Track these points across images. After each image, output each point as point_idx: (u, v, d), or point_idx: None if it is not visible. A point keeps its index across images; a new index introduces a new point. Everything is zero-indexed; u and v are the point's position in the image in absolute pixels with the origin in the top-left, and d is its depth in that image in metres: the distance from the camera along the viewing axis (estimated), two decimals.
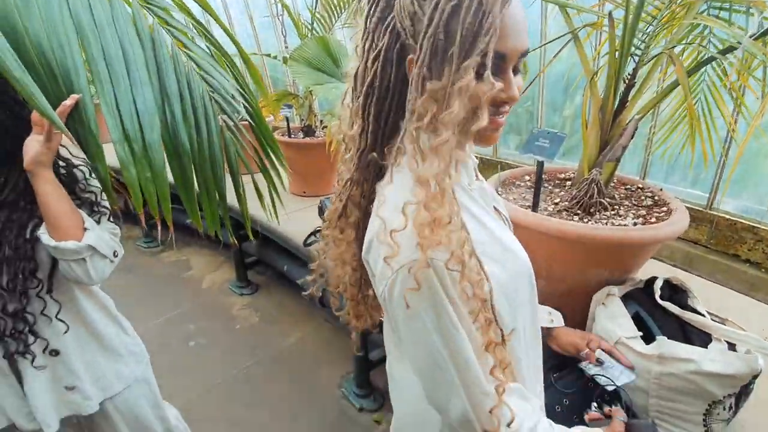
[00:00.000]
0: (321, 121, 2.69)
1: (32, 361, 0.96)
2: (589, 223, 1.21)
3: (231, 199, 1.13)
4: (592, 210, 1.25)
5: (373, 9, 0.54)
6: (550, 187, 1.45)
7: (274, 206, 1.21)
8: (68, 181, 0.96)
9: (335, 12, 2.33)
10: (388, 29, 0.53)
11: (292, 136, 2.57)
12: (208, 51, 1.12)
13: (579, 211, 1.27)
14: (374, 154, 0.57)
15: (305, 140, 2.51)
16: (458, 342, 0.53)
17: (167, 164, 0.88)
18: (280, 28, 2.73)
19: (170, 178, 0.88)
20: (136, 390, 1.16)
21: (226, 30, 1.24)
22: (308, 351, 2.33)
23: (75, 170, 0.99)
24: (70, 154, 1.00)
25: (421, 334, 0.53)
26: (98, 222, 0.98)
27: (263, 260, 2.79)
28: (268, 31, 3.65)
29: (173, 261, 3.24)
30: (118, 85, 0.79)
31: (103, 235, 0.96)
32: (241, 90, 1.15)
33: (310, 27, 2.37)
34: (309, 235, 2.04)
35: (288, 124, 2.58)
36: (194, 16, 1.12)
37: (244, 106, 1.12)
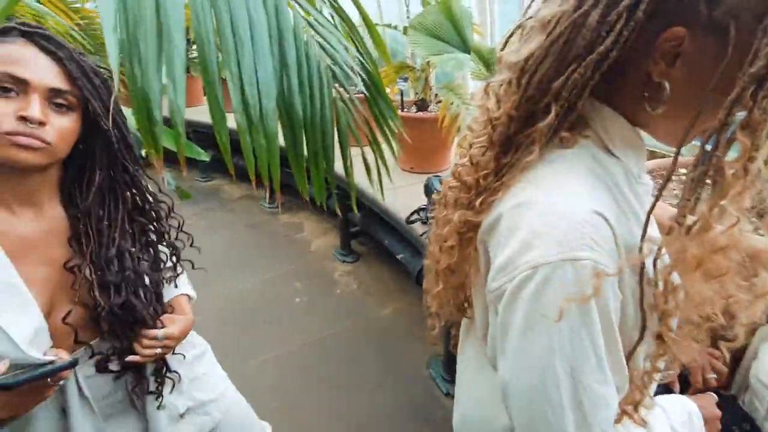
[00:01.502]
0: (436, 95, 2.59)
1: (159, 395, 0.78)
2: None
3: (339, 168, 1.13)
4: None
5: None
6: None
7: (380, 180, 1.19)
8: (149, 218, 0.79)
9: None
10: None
11: (405, 110, 2.53)
12: (331, 20, 1.11)
13: (754, 219, 0.99)
14: (530, 134, 0.47)
15: (418, 114, 2.45)
16: (594, 379, 0.42)
17: (280, 132, 0.90)
18: None
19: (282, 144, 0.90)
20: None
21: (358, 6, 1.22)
22: (401, 325, 2.35)
23: (160, 205, 0.83)
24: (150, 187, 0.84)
25: (539, 355, 0.43)
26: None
27: (366, 232, 2.87)
28: (393, 2, 3.61)
29: (288, 222, 3.53)
30: (243, 53, 0.81)
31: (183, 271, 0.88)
32: (361, 60, 1.12)
33: None
34: (412, 213, 2.01)
35: (402, 98, 2.54)
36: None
37: (363, 78, 1.09)
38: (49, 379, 0.60)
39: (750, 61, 0.36)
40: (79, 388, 0.70)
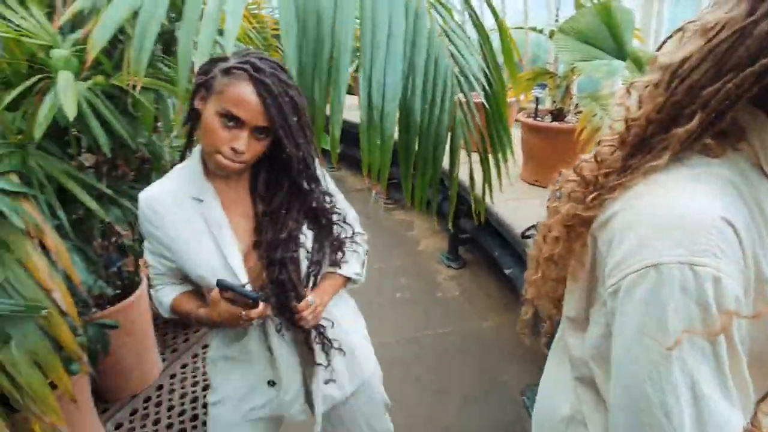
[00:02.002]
0: (576, 104, 2.38)
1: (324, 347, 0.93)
2: None
3: (462, 174, 1.11)
4: None
5: None
6: None
7: (486, 189, 1.15)
8: (320, 215, 0.91)
9: None
10: None
11: (538, 118, 2.38)
12: (465, 29, 1.11)
13: None
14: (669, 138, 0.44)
15: (552, 124, 2.28)
16: (718, 397, 0.39)
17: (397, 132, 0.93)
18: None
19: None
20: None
21: (488, 2, 1.19)
22: (501, 342, 2.24)
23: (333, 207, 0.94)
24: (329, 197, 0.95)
25: (655, 362, 0.40)
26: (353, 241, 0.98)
27: (476, 240, 2.79)
28: (542, 6, 3.42)
29: (401, 219, 3.64)
30: (377, 54, 0.86)
31: (360, 258, 1.02)
32: (485, 69, 1.09)
33: None
34: (529, 228, 1.89)
35: (536, 105, 2.39)
36: (473, 12, 1.11)
37: (483, 86, 1.07)
38: (243, 312, 0.80)
39: None
40: (277, 330, 0.91)
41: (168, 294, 0.95)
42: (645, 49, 2.25)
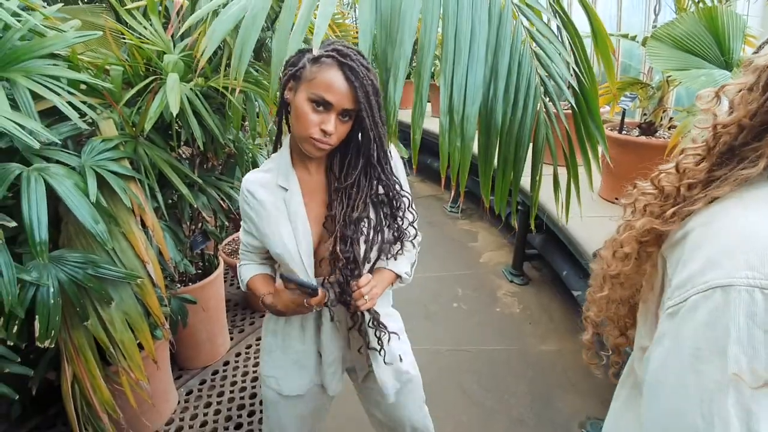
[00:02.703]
0: (671, 119, 2.17)
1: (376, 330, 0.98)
2: None
3: (527, 184, 1.08)
4: None
5: None
6: None
7: (568, 203, 1.09)
8: (389, 203, 0.96)
9: None
10: None
11: (624, 131, 2.21)
12: (556, 31, 1.07)
13: None
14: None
15: (640, 139, 2.11)
16: None
17: (476, 137, 0.93)
18: (655, 4, 2.30)
19: (475, 150, 0.92)
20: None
21: (585, 4, 1.14)
22: (560, 368, 2.10)
23: (402, 199, 0.97)
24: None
25: (709, 389, 0.37)
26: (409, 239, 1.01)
27: (544, 257, 2.66)
28: (636, 14, 3.17)
29: (465, 229, 3.57)
30: (459, 61, 0.87)
31: (411, 259, 1.05)
32: (578, 73, 1.05)
33: (696, 0, 1.87)
34: None
35: (623, 117, 2.22)
36: (564, 12, 1.07)
37: (576, 92, 1.02)
38: (305, 300, 0.89)
39: None
40: (331, 318, 0.99)
41: (249, 271, 1.06)
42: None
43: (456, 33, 0.87)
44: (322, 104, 0.81)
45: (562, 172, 1.08)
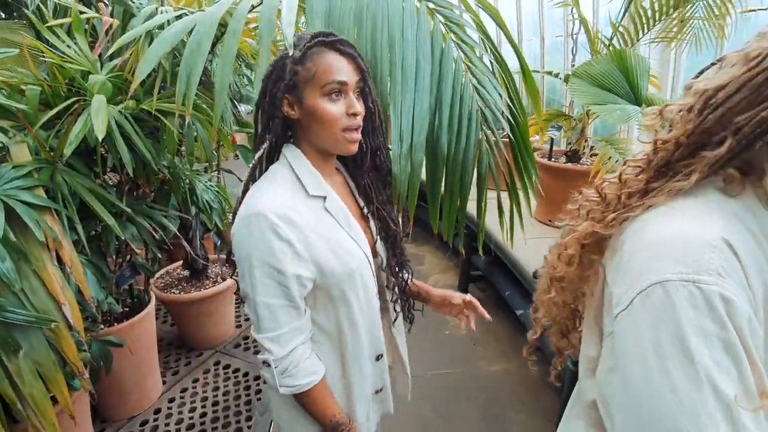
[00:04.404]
0: (591, 147, 2.39)
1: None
2: None
3: (472, 209, 1.12)
4: None
5: None
6: None
7: (512, 227, 1.14)
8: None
9: (646, 24, 1.99)
10: None
11: (553, 159, 2.39)
12: (490, 66, 1.15)
13: None
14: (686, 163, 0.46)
15: (567, 165, 2.29)
16: (749, 422, 0.36)
17: (423, 165, 0.95)
18: (572, 46, 2.57)
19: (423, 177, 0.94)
20: None
21: (514, 45, 1.24)
22: (509, 388, 2.15)
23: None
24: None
25: (682, 393, 0.38)
26: None
27: (488, 278, 2.75)
28: (557, 53, 3.53)
29: (412, 253, 3.62)
30: (406, 91, 0.90)
31: None
32: (511, 106, 1.12)
33: (608, 42, 2.12)
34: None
35: (551, 146, 2.41)
36: (487, 33, 1.16)
37: (510, 122, 1.09)
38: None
39: None
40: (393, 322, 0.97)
41: (314, 362, 0.80)
42: (661, 96, 2.28)
43: (403, 65, 0.90)
44: (337, 91, 0.74)
45: (504, 197, 1.13)
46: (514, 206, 1.14)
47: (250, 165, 0.83)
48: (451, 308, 1.09)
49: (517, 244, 2.03)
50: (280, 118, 0.77)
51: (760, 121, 0.40)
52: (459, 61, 1.01)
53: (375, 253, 0.88)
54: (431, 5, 1.00)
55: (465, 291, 2.89)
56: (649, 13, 1.95)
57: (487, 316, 1.06)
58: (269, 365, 0.76)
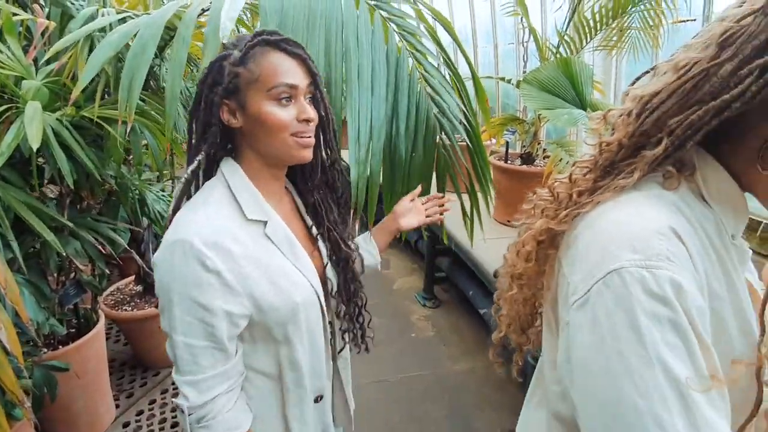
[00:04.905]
0: (544, 149, 2.50)
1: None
2: None
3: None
4: None
5: None
6: None
7: (472, 228, 1.17)
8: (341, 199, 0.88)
9: (589, 33, 2.11)
10: None
11: (509, 161, 2.48)
12: (444, 75, 1.17)
13: None
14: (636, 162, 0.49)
15: (521, 167, 2.38)
16: (704, 403, 0.38)
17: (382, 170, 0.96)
18: (522, 53, 2.68)
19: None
20: None
21: (464, 54, 1.27)
22: (474, 386, 2.19)
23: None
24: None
25: (636, 368, 0.39)
26: None
27: (452, 279, 2.80)
28: (510, 60, 3.68)
29: None
30: (363, 98, 0.90)
31: None
32: (465, 111, 1.15)
33: (554, 50, 2.23)
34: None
35: (507, 149, 2.50)
36: (440, 43, 1.19)
37: (465, 128, 1.12)
38: None
39: None
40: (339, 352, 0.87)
41: (239, 414, 0.70)
42: (605, 100, 2.43)
43: (359, 72, 0.90)
44: (287, 96, 0.67)
45: (466, 200, 1.16)
46: (474, 208, 1.17)
47: (182, 180, 0.72)
48: (410, 216, 0.97)
49: (478, 244, 2.08)
50: (218, 127, 0.68)
51: (690, 123, 0.44)
52: (414, 70, 1.02)
53: (324, 280, 0.79)
54: (384, 14, 1.01)
55: (431, 293, 2.93)
56: (591, 23, 2.07)
57: (440, 195, 0.98)
58: (183, 411, 0.66)
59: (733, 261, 0.48)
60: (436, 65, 1.14)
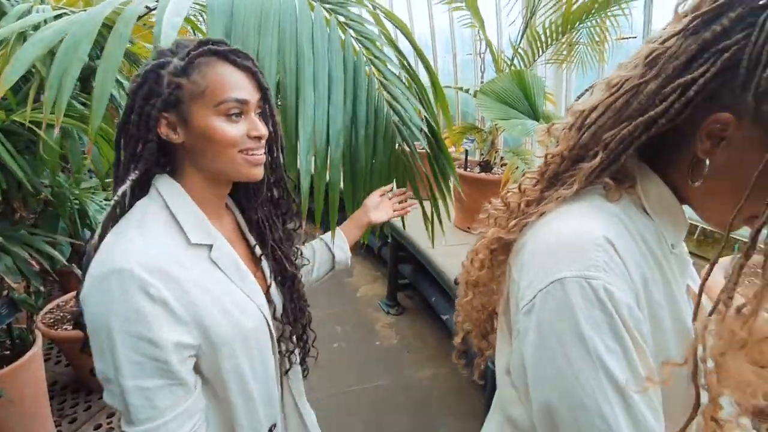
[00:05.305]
0: (502, 157, 2.58)
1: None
2: None
3: (396, 219, 1.13)
4: None
5: (713, 15, 0.41)
6: None
7: (433, 233, 1.18)
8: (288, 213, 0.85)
9: (541, 46, 2.21)
10: (721, 59, 0.40)
11: (468, 169, 2.54)
12: (404, 81, 1.18)
13: None
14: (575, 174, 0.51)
15: (481, 175, 2.44)
16: (644, 404, 0.41)
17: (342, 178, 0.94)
18: (480, 63, 2.76)
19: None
20: None
21: (424, 60, 1.29)
22: (438, 393, 2.20)
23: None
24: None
25: (581, 371, 0.42)
26: None
27: (415, 286, 2.81)
28: (469, 70, 3.78)
29: None
30: (319, 106, 0.88)
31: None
32: (427, 118, 1.16)
33: (509, 62, 2.31)
34: None
35: (466, 157, 2.55)
36: (400, 50, 1.19)
37: (426, 135, 1.13)
38: None
39: None
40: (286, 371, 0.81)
41: None
42: (557, 111, 2.55)
43: (315, 78, 0.88)
44: (235, 110, 0.62)
45: (426, 205, 1.17)
46: (434, 212, 1.19)
47: (110, 203, 0.65)
48: (380, 210, 0.98)
49: (439, 250, 2.11)
50: (155, 142, 0.62)
51: (622, 138, 0.47)
52: (372, 77, 1.02)
53: (269, 300, 0.75)
54: (342, 18, 1.00)
55: (394, 300, 2.93)
56: (543, 37, 2.17)
57: (403, 190, 1.05)
58: None
59: (673, 269, 0.50)
60: (396, 72, 1.14)
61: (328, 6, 1.02)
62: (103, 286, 0.56)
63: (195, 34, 1.53)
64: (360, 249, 3.70)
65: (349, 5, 1.06)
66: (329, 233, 0.97)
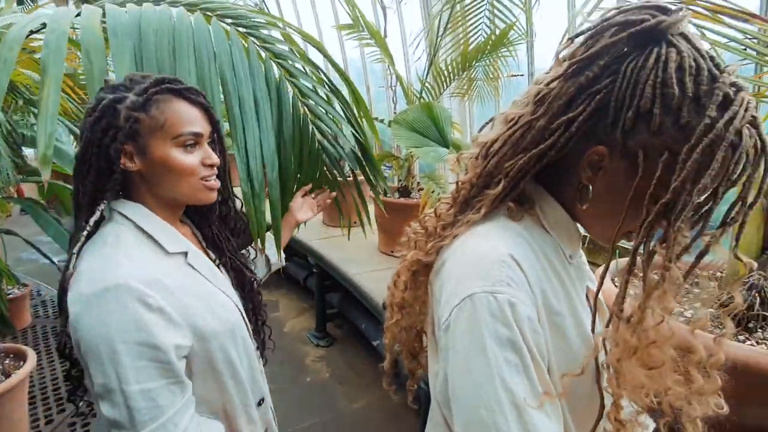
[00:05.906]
0: (418, 183, 2.72)
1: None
2: (747, 343, 0.94)
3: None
4: (750, 325, 0.98)
5: (586, 63, 0.47)
6: (687, 287, 1.19)
7: (349, 225, 1.20)
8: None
9: (445, 81, 2.42)
10: (594, 100, 0.46)
11: (388, 195, 2.62)
12: (323, 97, 1.20)
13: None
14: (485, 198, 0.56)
15: (400, 200, 2.54)
16: (536, 411, 0.44)
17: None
18: (392, 95, 2.93)
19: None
20: None
21: (350, 86, 1.32)
22: (373, 422, 2.15)
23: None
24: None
25: (481, 388, 0.45)
26: None
27: (344, 314, 2.77)
28: (382, 101, 3.98)
29: (265, 299, 3.39)
30: (249, 130, 0.87)
31: None
32: (356, 136, 1.19)
33: (418, 95, 2.49)
34: None
35: (385, 183, 2.65)
36: (316, 65, 1.21)
37: (357, 156, 1.16)
38: None
39: (656, 188, 0.43)
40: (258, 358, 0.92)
41: (210, 424, 0.72)
42: (463, 139, 2.78)
43: (241, 103, 0.87)
44: (190, 141, 0.70)
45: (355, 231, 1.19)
46: (362, 211, 1.22)
47: (80, 233, 0.69)
48: (305, 210, 1.09)
49: (366, 276, 2.12)
50: (119, 173, 0.68)
51: (520, 167, 0.52)
52: (297, 100, 1.03)
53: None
54: (257, 41, 1.01)
55: (323, 330, 2.84)
56: (446, 72, 2.39)
57: (325, 188, 1.14)
58: None
59: (572, 278, 0.56)
60: (331, 101, 1.17)
61: (243, 30, 1.02)
62: (99, 303, 0.60)
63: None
64: (285, 282, 3.56)
65: (261, 28, 1.07)
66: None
